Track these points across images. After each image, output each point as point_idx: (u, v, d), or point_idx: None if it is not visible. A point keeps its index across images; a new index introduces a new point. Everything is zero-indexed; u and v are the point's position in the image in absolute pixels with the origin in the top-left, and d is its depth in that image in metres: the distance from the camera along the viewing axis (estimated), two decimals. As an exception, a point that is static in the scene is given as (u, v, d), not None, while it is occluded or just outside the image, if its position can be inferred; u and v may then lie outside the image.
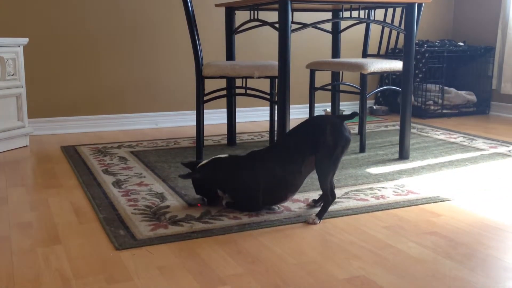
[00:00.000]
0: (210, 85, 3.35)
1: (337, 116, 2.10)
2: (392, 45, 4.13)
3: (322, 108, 4.47)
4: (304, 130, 2.09)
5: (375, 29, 4.13)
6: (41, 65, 3.70)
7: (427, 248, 1.79)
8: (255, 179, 2.07)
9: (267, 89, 3.38)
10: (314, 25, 2.81)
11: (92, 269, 1.63)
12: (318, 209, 2.09)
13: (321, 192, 2.14)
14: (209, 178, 2.15)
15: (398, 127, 3.90)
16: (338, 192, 2.37)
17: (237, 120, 3.88)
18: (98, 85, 3.87)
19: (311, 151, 2.03)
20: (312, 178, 2.55)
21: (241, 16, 3.54)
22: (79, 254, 1.74)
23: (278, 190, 2.08)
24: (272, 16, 3.27)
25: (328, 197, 2.04)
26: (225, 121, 3.50)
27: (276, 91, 2.87)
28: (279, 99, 2.70)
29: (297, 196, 2.31)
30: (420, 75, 4.46)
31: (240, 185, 2.10)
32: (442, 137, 3.62)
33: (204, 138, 3.52)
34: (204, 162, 2.20)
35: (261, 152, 2.15)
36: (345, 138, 2.01)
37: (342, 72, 3.60)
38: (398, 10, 4.00)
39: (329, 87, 3.64)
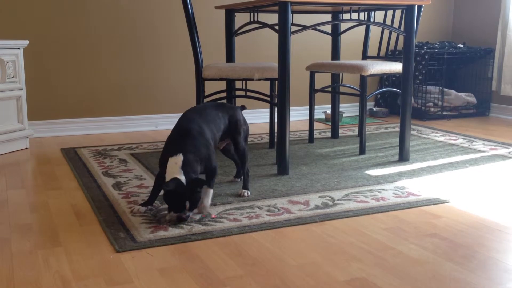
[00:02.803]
0: (210, 87, 3.35)
1: (240, 107, 2.42)
2: (392, 47, 4.13)
3: (322, 110, 4.48)
4: (223, 112, 2.33)
5: (374, 31, 4.13)
6: (41, 67, 3.70)
7: (427, 250, 1.79)
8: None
9: (267, 91, 3.38)
10: (314, 27, 2.81)
11: (92, 271, 1.63)
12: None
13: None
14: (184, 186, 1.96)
15: (398, 129, 3.90)
16: (338, 194, 2.38)
17: (237, 122, 3.87)
18: (98, 87, 3.87)
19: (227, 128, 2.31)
20: (312, 179, 2.55)
21: (241, 18, 3.54)
22: (79, 256, 1.74)
23: None
24: (272, 18, 3.27)
25: (248, 172, 2.40)
26: (225, 123, 3.49)
27: (276, 93, 2.87)
28: (279, 101, 2.70)
29: (297, 198, 2.31)
30: (420, 77, 4.46)
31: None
32: (442, 139, 3.62)
33: (204, 140, 3.51)
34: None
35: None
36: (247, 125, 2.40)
37: (342, 74, 3.60)
38: (398, 12, 4.00)
39: (329, 89, 3.64)
